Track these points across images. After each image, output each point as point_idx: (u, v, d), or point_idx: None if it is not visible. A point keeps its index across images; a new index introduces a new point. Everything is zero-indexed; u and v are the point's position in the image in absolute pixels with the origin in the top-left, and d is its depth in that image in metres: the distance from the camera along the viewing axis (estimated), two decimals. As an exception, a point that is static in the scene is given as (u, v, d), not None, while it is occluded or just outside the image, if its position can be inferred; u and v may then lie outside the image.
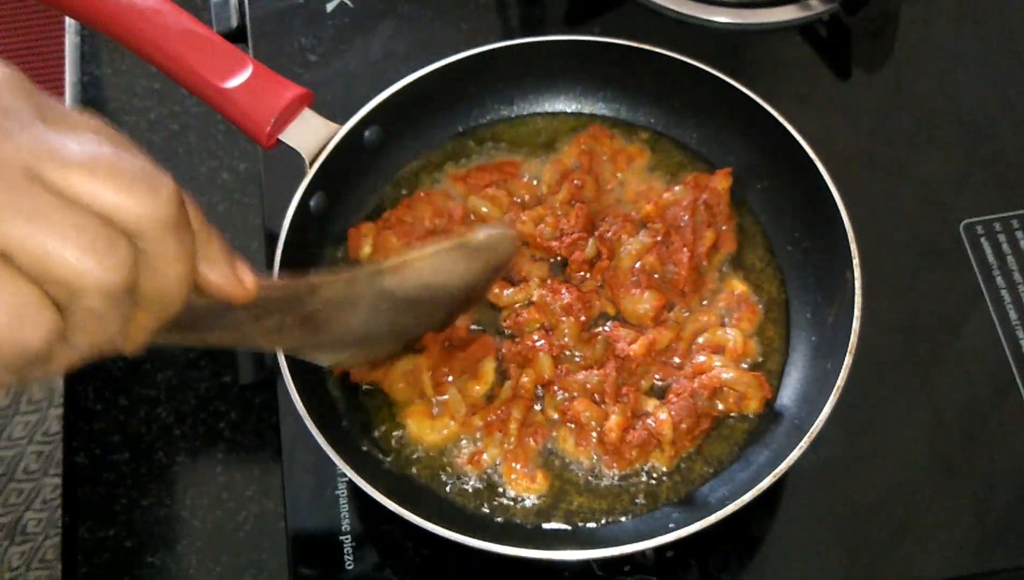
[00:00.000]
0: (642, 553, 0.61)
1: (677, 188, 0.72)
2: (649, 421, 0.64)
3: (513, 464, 0.64)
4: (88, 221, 0.33)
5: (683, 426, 0.64)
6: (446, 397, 0.66)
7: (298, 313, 0.46)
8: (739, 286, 0.70)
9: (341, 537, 0.65)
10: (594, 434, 0.65)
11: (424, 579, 0.66)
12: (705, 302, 0.69)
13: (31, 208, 0.32)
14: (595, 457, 0.65)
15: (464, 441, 0.66)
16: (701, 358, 0.67)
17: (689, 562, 0.64)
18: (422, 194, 0.73)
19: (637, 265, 0.70)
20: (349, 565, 0.65)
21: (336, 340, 0.50)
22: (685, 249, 0.69)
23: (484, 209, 0.72)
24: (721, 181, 0.71)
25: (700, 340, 0.68)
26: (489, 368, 0.67)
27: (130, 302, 0.35)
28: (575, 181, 0.72)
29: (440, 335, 0.66)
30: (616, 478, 0.64)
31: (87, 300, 0.34)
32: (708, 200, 0.70)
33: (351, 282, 0.48)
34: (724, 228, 0.71)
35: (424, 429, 0.65)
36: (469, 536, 0.57)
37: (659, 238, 0.70)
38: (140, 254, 0.35)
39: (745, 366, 0.67)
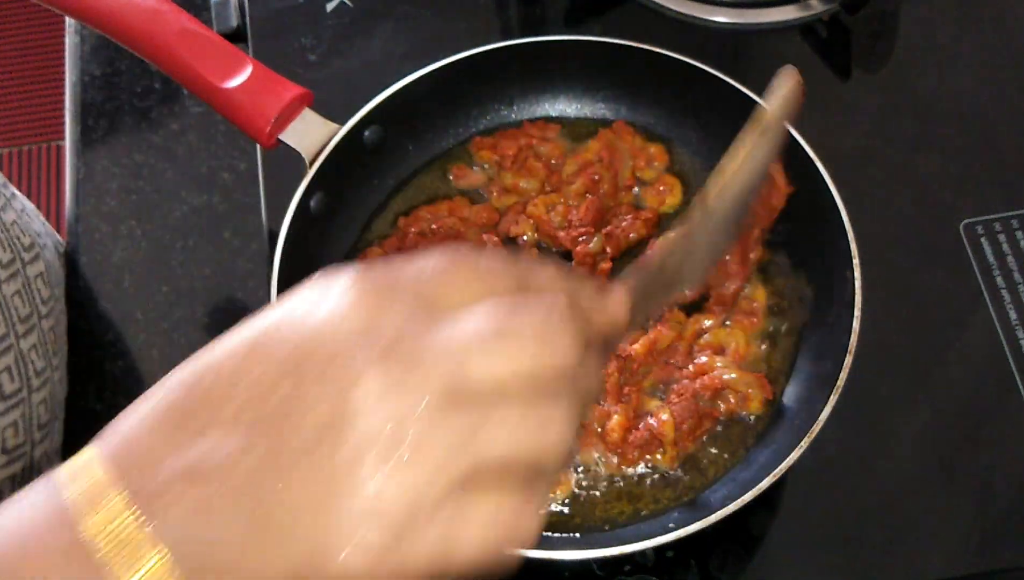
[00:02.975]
0: (642, 553, 0.61)
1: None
2: (651, 421, 0.64)
3: None
4: (526, 404, 0.33)
5: (684, 427, 0.64)
6: None
7: (657, 287, 0.46)
8: (761, 297, 0.70)
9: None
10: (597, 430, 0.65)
11: None
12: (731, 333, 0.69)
13: (474, 424, 0.32)
14: (597, 455, 0.65)
15: None
16: (703, 358, 0.67)
17: (689, 562, 0.64)
18: (424, 212, 0.73)
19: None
20: (349, 565, 0.65)
21: (685, 278, 0.50)
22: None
23: (523, 184, 0.73)
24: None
25: (705, 338, 0.68)
26: None
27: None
28: (593, 175, 0.72)
29: None
30: (621, 481, 0.64)
31: (552, 463, 0.34)
32: None
33: (689, 228, 0.48)
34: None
35: None
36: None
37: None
38: (570, 391, 0.34)
39: (745, 367, 0.67)
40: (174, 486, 0.31)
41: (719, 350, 0.67)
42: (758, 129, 0.51)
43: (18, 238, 0.70)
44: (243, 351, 0.33)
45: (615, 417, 0.64)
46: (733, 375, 0.65)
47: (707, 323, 0.68)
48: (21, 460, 0.67)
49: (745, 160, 0.51)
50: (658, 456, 0.64)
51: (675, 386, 0.66)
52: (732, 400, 0.65)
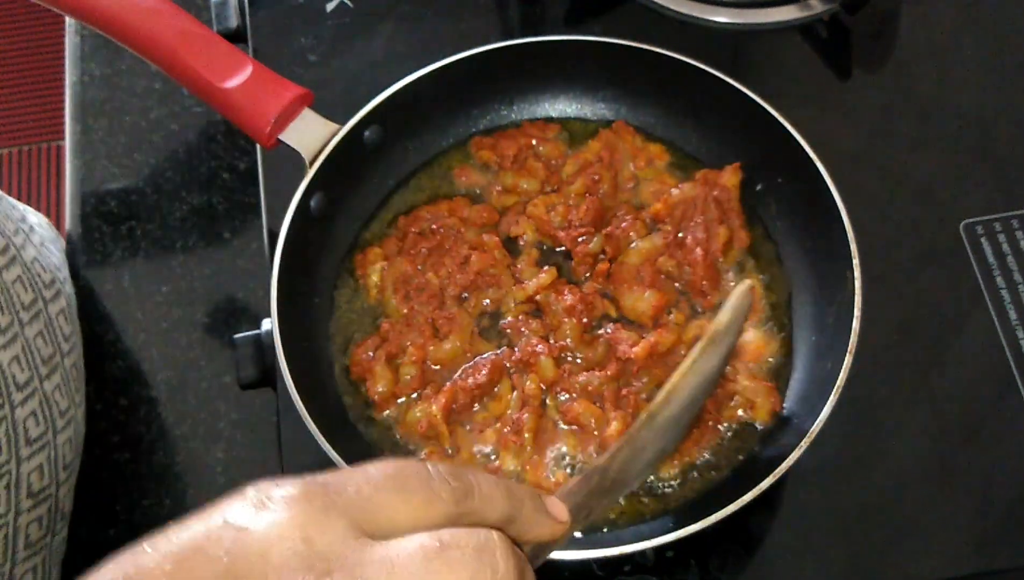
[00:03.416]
0: (642, 553, 0.61)
1: (685, 185, 0.72)
2: None
3: (536, 470, 0.64)
4: None
5: (690, 436, 0.64)
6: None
7: (602, 493, 0.47)
8: (749, 280, 0.69)
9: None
10: (594, 435, 0.65)
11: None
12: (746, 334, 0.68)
13: None
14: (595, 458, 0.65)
15: (480, 461, 0.65)
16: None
17: (689, 562, 0.64)
18: (424, 212, 0.73)
19: (647, 263, 0.70)
20: (349, 565, 0.65)
21: (632, 480, 0.52)
22: (699, 249, 0.69)
23: (524, 185, 0.73)
24: (731, 177, 0.71)
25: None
26: (506, 388, 0.66)
27: None
28: (593, 175, 0.72)
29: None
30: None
31: None
32: (719, 196, 0.70)
33: (632, 439, 0.49)
34: (736, 223, 0.71)
35: None
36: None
37: (671, 238, 0.70)
38: None
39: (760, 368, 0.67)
40: None
41: (736, 353, 0.67)
42: (708, 339, 0.53)
43: (39, 276, 0.68)
44: (175, 560, 0.33)
45: (613, 423, 0.64)
46: (745, 383, 0.65)
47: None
48: (47, 502, 0.66)
49: (693, 369, 0.52)
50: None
51: None
52: (739, 409, 0.65)
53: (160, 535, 0.34)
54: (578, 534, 0.63)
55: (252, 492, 0.35)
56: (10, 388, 0.62)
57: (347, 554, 0.33)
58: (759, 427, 0.66)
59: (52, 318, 0.68)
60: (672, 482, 0.64)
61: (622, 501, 0.64)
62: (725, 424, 0.66)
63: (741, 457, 0.65)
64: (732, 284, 0.69)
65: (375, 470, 0.36)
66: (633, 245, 0.70)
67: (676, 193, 0.71)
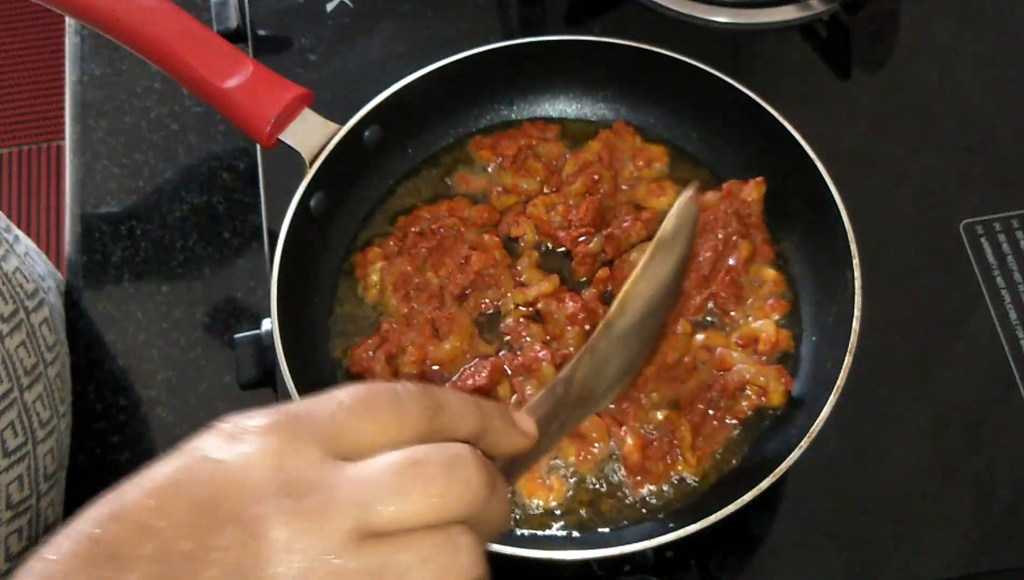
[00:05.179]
0: (642, 553, 0.61)
1: (708, 194, 0.71)
2: (668, 427, 0.63)
3: (529, 475, 0.64)
4: (428, 546, 0.35)
5: (706, 430, 0.63)
6: None
7: (568, 406, 0.48)
8: (771, 273, 0.69)
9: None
10: (595, 446, 0.64)
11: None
12: (749, 317, 0.68)
13: (378, 568, 0.34)
14: (619, 480, 0.64)
15: None
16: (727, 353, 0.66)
17: (689, 562, 0.64)
18: (424, 212, 0.73)
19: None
20: (349, 565, 0.65)
21: (601, 396, 0.52)
22: (709, 253, 0.68)
23: (524, 185, 0.73)
24: (753, 191, 0.70)
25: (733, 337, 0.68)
26: (506, 390, 0.66)
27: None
28: (593, 175, 0.72)
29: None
30: (638, 497, 0.64)
31: None
32: (740, 210, 0.70)
33: (592, 350, 0.50)
34: (760, 238, 0.70)
35: None
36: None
37: None
38: (474, 524, 0.37)
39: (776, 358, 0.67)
40: None
41: (749, 343, 0.67)
42: (655, 245, 0.53)
43: (21, 286, 0.68)
44: (157, 495, 0.34)
45: (628, 439, 0.63)
46: (751, 371, 0.65)
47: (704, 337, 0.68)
48: (27, 514, 0.66)
49: (644, 275, 0.52)
50: (680, 467, 0.64)
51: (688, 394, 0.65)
52: (752, 397, 0.65)
53: (141, 474, 0.35)
54: (578, 534, 0.63)
55: (226, 426, 0.37)
56: None
57: (320, 476, 0.35)
58: (776, 413, 0.65)
59: (35, 328, 0.68)
60: (694, 479, 0.64)
61: (625, 500, 0.64)
62: (736, 419, 0.65)
63: (747, 450, 0.65)
64: (751, 301, 0.69)
65: (344, 394, 0.37)
66: (638, 250, 0.70)
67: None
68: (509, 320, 0.69)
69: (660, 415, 0.65)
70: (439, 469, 0.36)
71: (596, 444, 0.64)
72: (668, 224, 0.54)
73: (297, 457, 0.35)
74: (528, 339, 0.68)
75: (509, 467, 0.43)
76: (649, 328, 0.54)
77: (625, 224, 0.71)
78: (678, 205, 0.54)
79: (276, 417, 0.37)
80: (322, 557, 0.33)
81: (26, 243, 0.75)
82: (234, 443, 0.36)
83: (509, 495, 0.41)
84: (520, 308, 0.69)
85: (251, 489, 0.34)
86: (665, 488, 0.64)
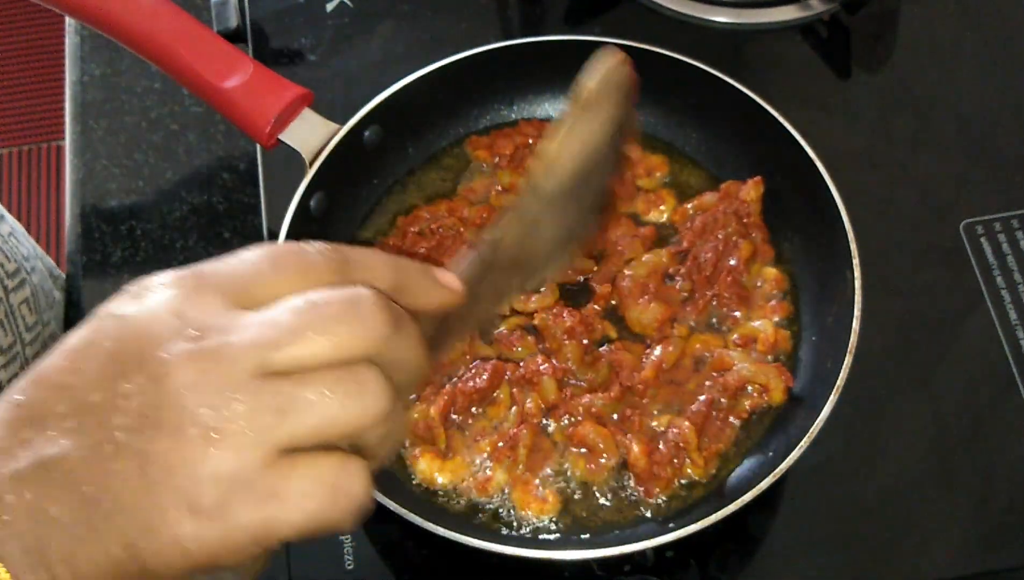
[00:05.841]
0: (642, 553, 0.61)
1: (706, 195, 0.71)
2: (672, 430, 0.63)
3: (523, 487, 0.64)
4: (330, 380, 0.35)
5: (710, 431, 0.63)
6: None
7: (502, 268, 0.47)
8: (772, 272, 0.69)
9: (341, 537, 0.65)
10: (603, 457, 0.64)
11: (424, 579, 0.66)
12: (757, 322, 0.68)
13: (281, 403, 0.35)
14: (629, 491, 0.64)
15: (473, 470, 0.65)
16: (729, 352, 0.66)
17: (689, 562, 0.64)
18: (423, 212, 0.73)
19: (653, 275, 0.69)
20: (349, 565, 0.65)
21: (541, 264, 0.51)
22: (710, 254, 0.69)
23: (521, 184, 0.73)
24: (752, 191, 0.70)
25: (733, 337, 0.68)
26: (506, 394, 0.66)
27: (398, 401, 0.37)
28: None
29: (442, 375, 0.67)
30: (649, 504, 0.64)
31: (373, 432, 0.36)
32: (739, 210, 0.70)
33: (518, 211, 0.49)
34: (760, 237, 0.70)
35: (434, 469, 0.64)
36: (469, 536, 0.57)
37: (684, 245, 0.70)
38: (382, 366, 0.37)
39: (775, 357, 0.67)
40: (15, 487, 0.33)
41: (748, 342, 0.67)
42: (578, 106, 0.51)
43: (1, 265, 0.67)
44: (69, 355, 0.36)
45: (634, 447, 0.63)
46: (751, 369, 0.65)
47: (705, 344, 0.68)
48: None
49: (569, 137, 0.51)
50: (688, 470, 0.64)
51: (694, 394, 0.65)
52: (754, 395, 0.65)
53: (60, 341, 0.37)
54: (577, 535, 0.63)
55: (132, 286, 0.38)
56: None
57: (221, 322, 0.36)
58: (777, 410, 0.65)
59: (14, 307, 0.68)
60: (701, 479, 0.64)
61: (622, 498, 0.64)
62: (739, 419, 0.65)
63: (750, 450, 0.65)
64: (758, 304, 0.69)
65: (249, 252, 0.38)
66: (644, 258, 0.70)
67: (695, 202, 0.71)
68: (504, 328, 0.69)
69: (663, 419, 0.65)
70: (337, 307, 0.36)
71: (604, 456, 0.64)
72: (591, 82, 0.52)
73: (199, 306, 0.36)
74: (520, 349, 0.68)
75: (440, 331, 0.42)
76: (586, 194, 0.52)
77: (626, 241, 0.71)
78: (600, 65, 0.52)
79: (181, 273, 0.38)
80: (225, 394, 0.34)
81: (11, 224, 0.74)
82: (139, 299, 0.37)
83: (430, 357, 0.40)
84: (517, 314, 0.69)
85: (154, 337, 0.35)
86: (675, 494, 0.64)
